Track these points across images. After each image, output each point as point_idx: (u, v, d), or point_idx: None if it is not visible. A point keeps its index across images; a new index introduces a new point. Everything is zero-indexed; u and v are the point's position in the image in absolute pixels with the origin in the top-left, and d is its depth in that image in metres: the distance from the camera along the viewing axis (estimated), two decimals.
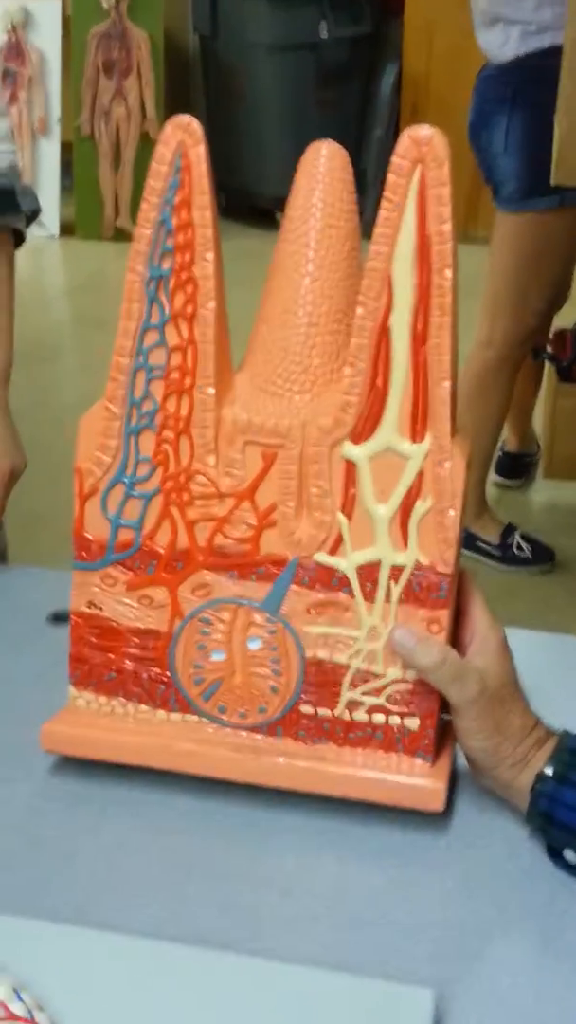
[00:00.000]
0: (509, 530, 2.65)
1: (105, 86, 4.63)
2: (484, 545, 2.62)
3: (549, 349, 2.83)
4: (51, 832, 0.83)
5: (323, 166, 0.79)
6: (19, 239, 1.27)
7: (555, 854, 0.78)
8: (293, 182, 0.79)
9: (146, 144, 4.60)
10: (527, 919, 0.76)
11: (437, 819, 0.82)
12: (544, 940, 0.74)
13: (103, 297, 4.18)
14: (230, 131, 4.27)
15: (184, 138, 0.77)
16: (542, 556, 2.65)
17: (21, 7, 4.69)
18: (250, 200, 4.24)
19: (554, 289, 2.50)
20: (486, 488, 2.76)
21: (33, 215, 1.26)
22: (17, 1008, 0.65)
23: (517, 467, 2.99)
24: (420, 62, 4.37)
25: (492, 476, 2.93)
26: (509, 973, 0.72)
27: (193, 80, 4.92)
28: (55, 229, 4.75)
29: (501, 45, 2.28)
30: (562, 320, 2.81)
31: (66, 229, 4.76)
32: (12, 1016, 0.64)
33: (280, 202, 4.53)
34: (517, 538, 2.64)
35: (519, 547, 2.64)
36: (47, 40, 4.71)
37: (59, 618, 1.03)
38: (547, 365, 2.89)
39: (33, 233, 4.87)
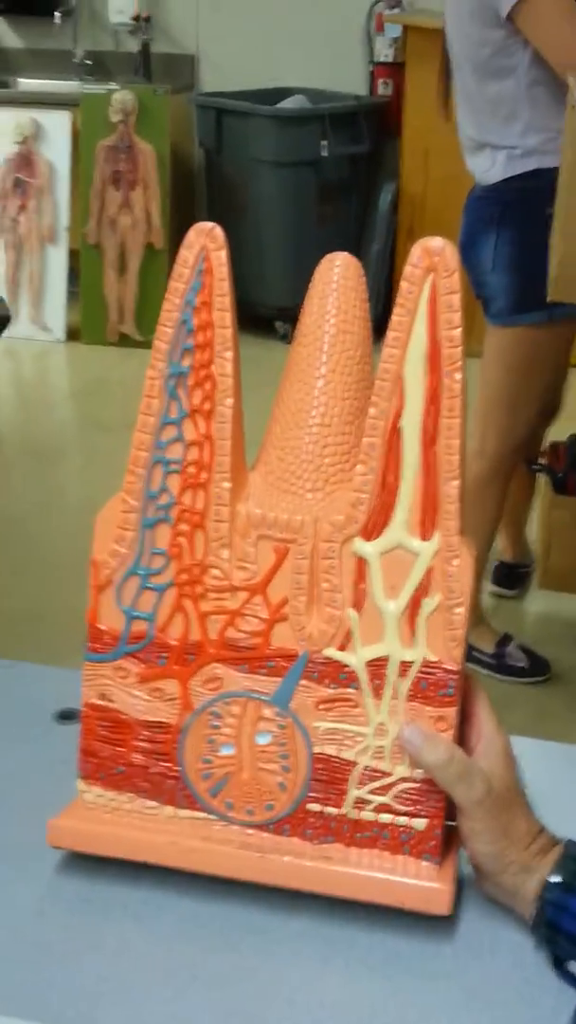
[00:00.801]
0: (505, 640, 2.65)
1: (112, 197, 4.75)
2: (479, 655, 2.61)
3: (543, 461, 2.86)
4: (55, 934, 0.82)
5: (337, 275, 0.82)
6: None
7: (559, 965, 0.77)
8: (308, 290, 0.82)
9: (151, 253, 4.71)
10: None
11: (443, 927, 0.81)
12: None
13: (107, 401, 4.23)
14: (232, 242, 4.31)
15: (207, 243, 0.80)
16: (538, 667, 2.64)
17: (32, 120, 4.83)
18: (251, 309, 4.30)
19: (543, 400, 2.55)
20: (481, 598, 2.76)
21: (3, 323, 1.29)
22: None
23: (513, 577, 3.00)
24: (417, 183, 4.50)
25: (488, 586, 2.94)
26: None
27: (197, 192, 5.05)
28: (61, 334, 4.83)
29: (488, 169, 2.36)
30: (556, 433, 2.85)
31: (72, 334, 4.83)
32: None
33: (280, 312, 4.66)
34: (512, 648, 2.64)
35: (515, 658, 2.64)
36: (56, 152, 4.84)
37: (66, 717, 1.03)
38: (540, 477, 2.92)
39: (38, 338, 4.94)
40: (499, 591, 2.98)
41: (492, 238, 2.37)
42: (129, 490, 0.83)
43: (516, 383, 2.44)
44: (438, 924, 0.81)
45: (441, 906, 0.80)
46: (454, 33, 2.36)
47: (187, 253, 0.81)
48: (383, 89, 4.77)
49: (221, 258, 0.80)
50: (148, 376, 0.82)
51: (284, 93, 4.68)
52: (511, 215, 2.35)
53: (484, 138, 2.35)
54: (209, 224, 0.81)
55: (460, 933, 0.82)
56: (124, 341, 4.71)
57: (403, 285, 0.78)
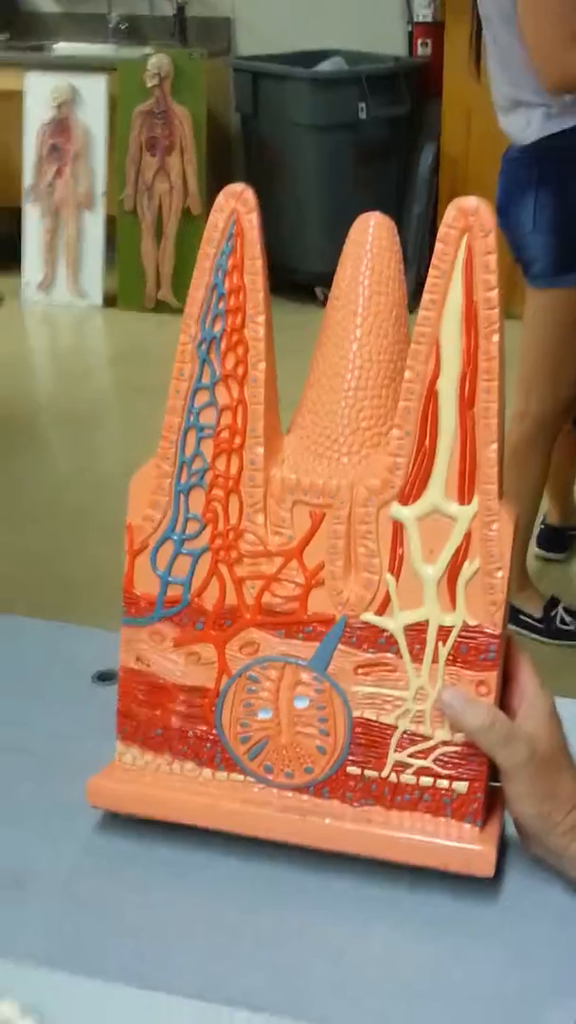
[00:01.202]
0: (552, 603, 2.64)
1: (148, 162, 4.73)
2: (527, 619, 2.60)
3: None
4: (96, 890, 0.83)
5: (371, 236, 0.81)
6: None
7: None
8: (342, 252, 0.82)
9: (188, 219, 4.69)
10: None
11: (488, 888, 0.82)
12: None
13: (144, 366, 4.23)
14: (270, 208, 4.30)
15: (237, 206, 0.80)
16: None
17: (69, 84, 4.81)
18: (289, 276, 4.30)
19: None
20: (528, 561, 2.75)
21: None
22: None
23: (560, 540, 2.97)
24: (458, 143, 4.45)
25: (534, 549, 2.92)
26: None
27: (234, 158, 5.03)
28: (98, 300, 4.84)
29: (524, 128, 2.33)
30: None
31: (109, 300, 4.84)
32: None
33: (319, 277, 4.64)
34: (561, 611, 2.63)
35: (563, 620, 2.62)
36: (93, 117, 4.83)
37: (105, 677, 1.04)
38: None
39: (76, 304, 4.95)
40: (545, 554, 2.96)
41: (531, 199, 2.34)
42: (162, 455, 0.83)
43: (559, 345, 2.42)
44: (482, 885, 0.81)
45: (484, 868, 0.80)
46: None
47: (217, 216, 0.80)
48: (422, 49, 4.71)
49: (252, 221, 0.80)
50: (180, 341, 0.81)
51: (321, 56, 4.63)
52: (549, 175, 2.32)
53: (518, 96, 2.31)
54: (239, 186, 0.80)
55: (505, 894, 0.82)
56: (161, 307, 4.71)
57: (438, 246, 0.77)
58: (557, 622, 2.61)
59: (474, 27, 2.43)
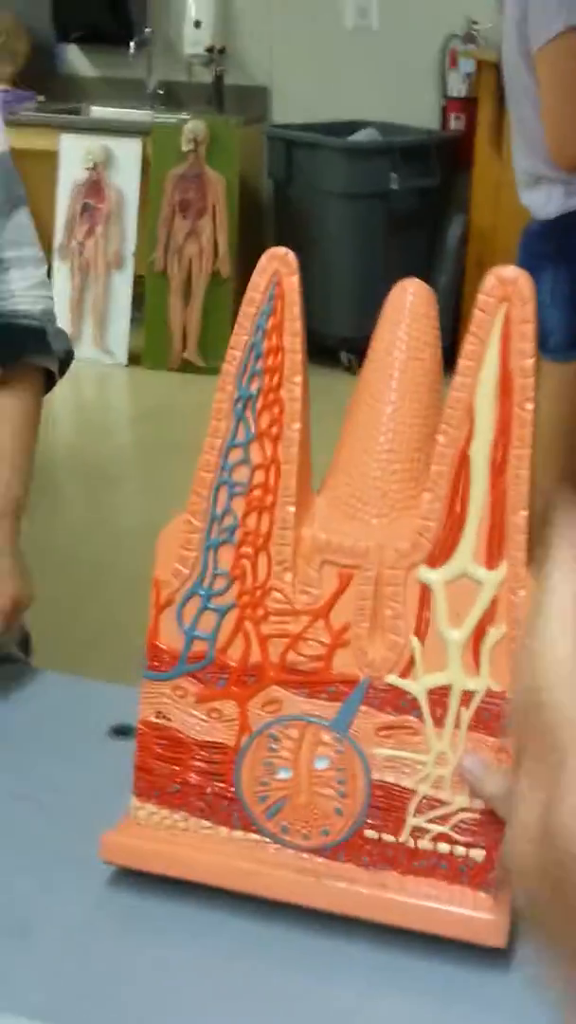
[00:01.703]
0: None
1: (180, 225, 4.80)
2: None
3: None
4: (105, 947, 0.82)
5: (409, 302, 0.82)
6: (51, 381, 1.32)
7: None
8: (380, 315, 0.83)
9: (216, 282, 4.75)
10: None
11: (499, 957, 0.80)
12: None
13: (167, 425, 4.26)
14: (300, 272, 4.37)
15: (279, 267, 0.81)
16: None
17: (103, 146, 4.90)
18: (317, 339, 4.31)
19: None
20: None
21: (67, 357, 1.31)
22: None
23: None
24: (487, 216, 4.50)
25: None
26: None
27: (266, 223, 5.09)
28: (123, 358, 4.88)
29: (544, 204, 2.36)
30: None
31: (134, 359, 4.88)
32: None
33: (345, 342, 4.65)
34: None
35: None
36: (126, 178, 4.90)
37: (121, 732, 1.04)
38: None
39: (103, 362, 4.99)
40: None
41: (549, 273, 2.36)
42: (193, 511, 0.83)
43: (573, 419, 2.43)
44: (494, 954, 0.80)
45: (496, 939, 0.79)
46: (510, 65, 2.37)
47: (259, 278, 0.81)
48: (455, 123, 4.78)
49: (293, 283, 0.81)
50: (216, 399, 0.82)
51: (355, 126, 4.71)
52: (568, 250, 2.34)
53: (539, 171, 2.34)
54: (283, 249, 0.81)
55: (516, 963, 0.81)
56: (186, 367, 4.74)
57: (476, 314, 0.78)
58: None
59: (498, 99, 2.48)
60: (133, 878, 0.87)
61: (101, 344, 4.90)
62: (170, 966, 0.80)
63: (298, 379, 0.81)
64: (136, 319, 4.90)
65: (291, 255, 0.81)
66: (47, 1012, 0.76)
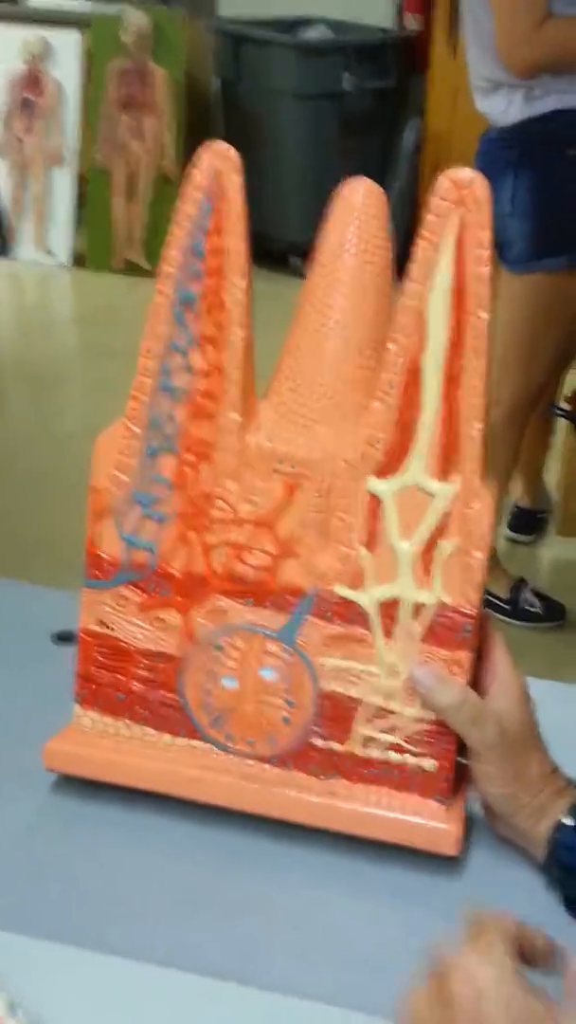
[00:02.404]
0: (519, 585, 2.64)
1: (123, 121, 4.67)
2: (493, 599, 2.60)
3: (566, 407, 2.84)
4: (51, 852, 0.82)
5: (359, 202, 0.79)
6: None
7: (571, 906, 0.77)
8: (329, 215, 0.80)
9: (162, 182, 4.64)
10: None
11: (452, 864, 0.81)
12: (558, 993, 0.73)
13: (110, 328, 4.19)
14: (249, 175, 4.28)
15: (221, 165, 0.78)
16: (553, 612, 2.64)
17: (40, 38, 4.73)
18: (266, 244, 4.25)
19: (562, 347, 2.52)
20: (496, 543, 2.75)
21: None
22: None
23: (530, 523, 2.99)
24: (443, 120, 4.41)
25: (503, 531, 2.93)
26: None
27: (213, 123, 4.97)
28: (66, 259, 4.77)
29: (504, 110, 2.31)
30: None
31: (77, 260, 4.77)
32: None
33: (294, 247, 4.57)
34: (527, 593, 2.63)
35: (529, 603, 2.63)
36: (65, 72, 4.75)
37: (64, 638, 1.02)
38: (560, 422, 2.90)
39: (42, 262, 4.87)
40: (515, 536, 2.97)
41: (509, 182, 2.33)
42: (132, 416, 0.81)
43: (534, 330, 2.41)
44: (447, 861, 0.81)
45: (449, 846, 0.80)
46: None
47: (198, 175, 0.78)
48: (412, 24, 4.66)
49: (235, 182, 0.78)
50: (154, 301, 0.79)
51: (306, 23, 4.58)
52: (529, 158, 2.30)
53: (498, 78, 2.29)
54: (224, 145, 0.78)
55: (469, 871, 0.82)
56: (131, 269, 4.65)
57: (429, 218, 0.75)
58: (523, 604, 2.62)
59: (452, 3, 2.42)
60: (76, 785, 0.86)
61: (43, 244, 4.78)
62: (116, 871, 0.80)
63: (241, 282, 0.78)
64: (79, 220, 4.79)
65: (233, 151, 0.78)
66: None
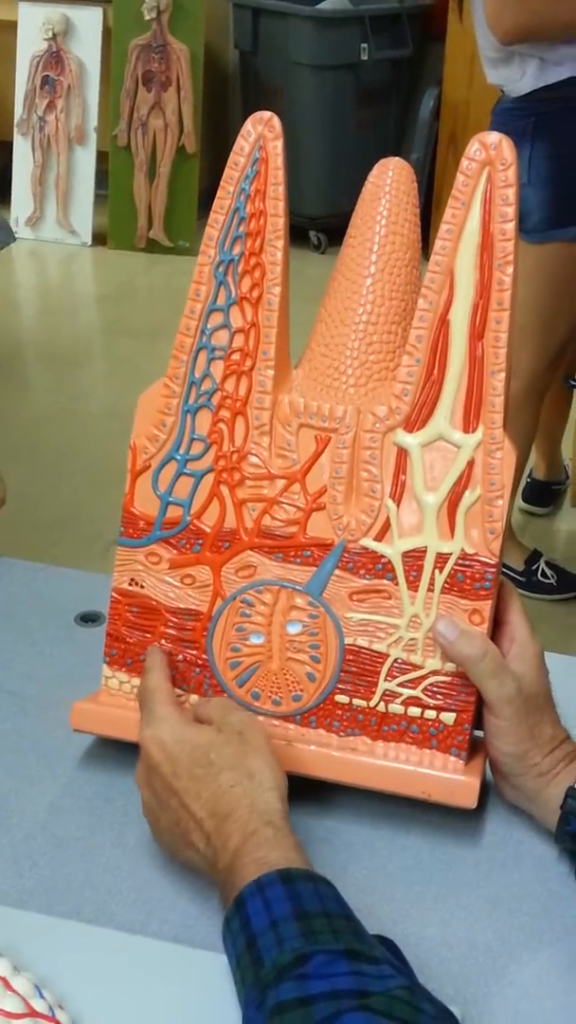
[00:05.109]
0: (534, 556, 2.65)
1: (143, 98, 4.66)
2: (508, 571, 2.61)
3: None
4: (75, 832, 0.82)
5: (390, 179, 0.82)
6: None
7: None
8: (361, 193, 0.83)
9: (182, 157, 4.63)
10: (555, 942, 0.75)
11: (467, 837, 0.82)
12: (571, 964, 0.74)
13: (132, 306, 4.20)
14: None
15: (264, 131, 0.81)
16: (567, 584, 2.64)
17: (62, 16, 4.73)
18: None
19: None
20: (512, 515, 2.75)
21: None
22: (39, 1005, 0.64)
23: (545, 494, 2.99)
24: (460, 89, 4.39)
25: (519, 503, 2.93)
26: (535, 995, 0.71)
27: (232, 95, 4.96)
28: (87, 238, 4.78)
29: (518, 79, 2.29)
30: None
31: (98, 238, 4.78)
32: (34, 1013, 0.64)
33: (316, 221, 4.52)
34: (542, 565, 2.64)
35: (544, 574, 2.63)
36: (87, 49, 4.74)
37: (88, 619, 1.04)
38: (574, 394, 2.89)
39: (65, 241, 4.86)
40: (530, 508, 2.97)
41: (525, 151, 2.31)
42: (172, 375, 0.83)
43: (551, 300, 2.40)
44: (462, 833, 0.82)
45: (467, 799, 0.80)
46: None
47: (243, 142, 0.81)
48: None
49: (277, 148, 0.81)
50: (198, 263, 0.82)
51: None
52: (545, 127, 2.29)
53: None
54: (267, 113, 0.81)
55: (483, 844, 0.82)
56: (152, 247, 4.65)
57: (459, 178, 0.78)
58: (538, 575, 2.63)
59: None
60: (101, 764, 0.87)
61: (65, 223, 4.79)
62: (138, 848, 0.80)
63: (280, 243, 0.81)
64: (100, 197, 4.79)
65: (276, 119, 0.81)
66: (17, 896, 0.76)
